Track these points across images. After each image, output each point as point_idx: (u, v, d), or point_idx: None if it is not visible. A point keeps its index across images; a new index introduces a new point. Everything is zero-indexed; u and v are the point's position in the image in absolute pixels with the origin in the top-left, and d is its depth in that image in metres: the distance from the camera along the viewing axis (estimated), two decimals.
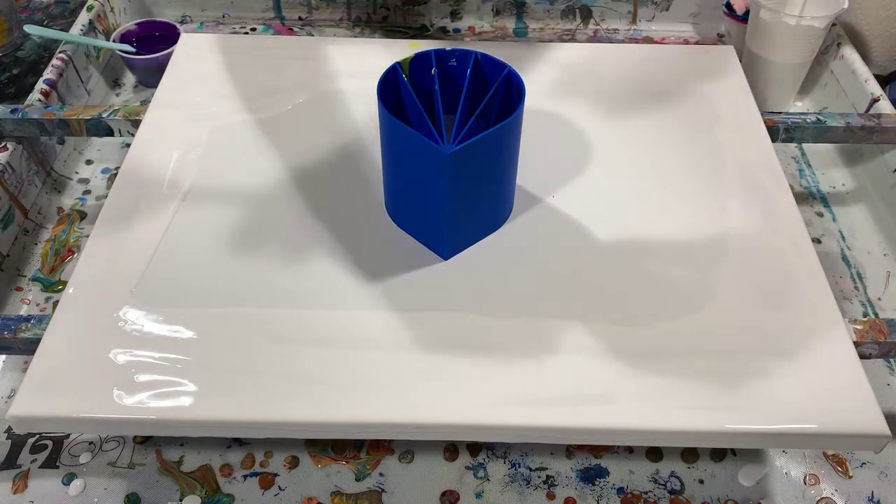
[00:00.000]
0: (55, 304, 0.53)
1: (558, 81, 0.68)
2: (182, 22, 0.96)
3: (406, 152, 0.50)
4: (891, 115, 0.70)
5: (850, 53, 0.80)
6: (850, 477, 0.56)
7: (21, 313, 0.63)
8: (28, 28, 0.79)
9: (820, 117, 0.68)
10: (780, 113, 0.69)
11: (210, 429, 0.47)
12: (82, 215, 0.72)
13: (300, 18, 0.96)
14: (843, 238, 0.71)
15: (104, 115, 0.67)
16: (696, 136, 0.63)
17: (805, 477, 0.55)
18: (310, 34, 0.95)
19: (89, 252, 0.53)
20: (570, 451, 0.56)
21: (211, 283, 0.52)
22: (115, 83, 0.87)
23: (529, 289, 0.52)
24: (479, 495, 0.54)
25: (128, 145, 0.63)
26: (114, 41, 0.84)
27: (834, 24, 0.82)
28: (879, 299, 0.66)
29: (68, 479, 0.54)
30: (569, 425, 0.45)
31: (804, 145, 0.80)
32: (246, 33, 0.95)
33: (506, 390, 0.46)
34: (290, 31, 0.96)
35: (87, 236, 0.58)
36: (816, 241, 0.71)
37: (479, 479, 0.55)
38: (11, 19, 0.88)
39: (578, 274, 0.53)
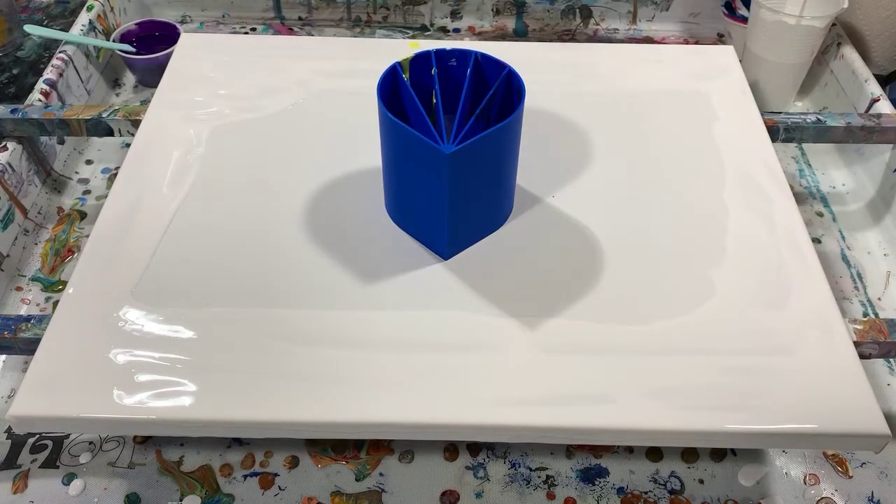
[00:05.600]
0: (55, 304, 0.53)
1: (558, 81, 0.68)
2: (182, 22, 0.96)
3: (406, 152, 0.50)
4: (891, 115, 0.70)
5: (850, 53, 0.80)
6: (850, 477, 0.56)
7: (21, 313, 0.63)
8: (28, 28, 0.79)
9: (820, 117, 0.68)
10: (780, 113, 0.69)
11: (210, 429, 0.47)
12: (82, 215, 0.72)
13: (300, 18, 0.96)
14: (843, 238, 0.71)
15: (104, 115, 0.67)
16: (696, 136, 0.63)
17: (805, 477, 0.55)
18: (310, 34, 0.95)
19: (89, 252, 0.53)
20: (570, 451, 0.56)
21: (211, 283, 0.52)
22: (115, 83, 0.87)
23: (529, 289, 0.52)
24: (479, 495, 0.54)
25: (128, 145, 0.63)
26: (114, 41, 0.84)
27: (834, 24, 0.82)
28: (879, 299, 0.66)
29: (68, 479, 0.54)
30: (569, 425, 0.45)
31: (804, 145, 0.80)
32: (246, 33, 0.95)
33: (506, 390, 0.46)
34: (290, 31, 0.96)
35: (87, 236, 0.58)
36: (816, 241, 0.71)
37: (479, 479, 0.55)
38: (11, 19, 0.88)
39: (578, 274, 0.53)
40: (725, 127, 0.64)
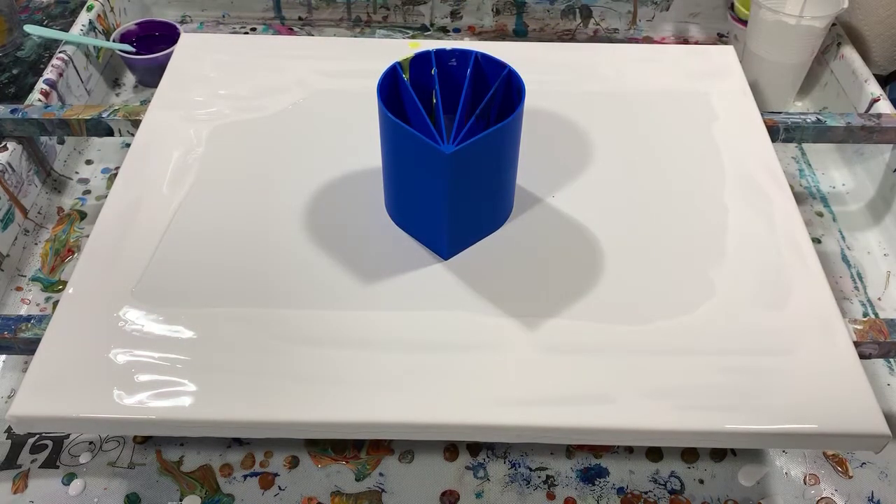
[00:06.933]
0: (55, 304, 0.53)
1: (558, 81, 0.68)
2: (182, 22, 0.96)
3: (406, 152, 0.50)
4: (891, 115, 0.70)
5: (850, 53, 0.80)
6: (850, 477, 0.56)
7: (21, 313, 0.63)
8: (28, 28, 0.79)
9: (820, 117, 0.68)
10: (780, 113, 0.69)
11: (210, 429, 0.47)
12: (82, 215, 0.72)
13: (300, 18, 0.96)
14: (843, 238, 0.71)
15: (104, 115, 0.67)
16: (696, 136, 0.63)
17: (805, 477, 0.55)
18: (310, 34, 0.95)
19: (89, 252, 0.53)
20: (570, 451, 0.56)
21: (211, 283, 0.52)
22: (115, 83, 0.87)
23: (529, 289, 0.52)
24: (479, 495, 0.54)
25: (128, 145, 0.63)
26: (114, 41, 0.84)
27: (834, 24, 0.82)
28: (879, 299, 0.66)
29: (68, 479, 0.54)
30: (569, 425, 0.45)
31: (804, 145, 0.80)
32: (246, 33, 0.95)
33: (506, 390, 0.46)
34: (290, 31, 0.96)
35: (87, 236, 0.58)
36: (816, 241, 0.71)
37: (479, 479, 0.55)
38: (11, 19, 0.88)
39: (578, 274, 0.53)
40: (725, 127, 0.64)
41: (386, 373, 0.47)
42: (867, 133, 0.68)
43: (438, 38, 0.95)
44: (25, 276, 0.66)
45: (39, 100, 0.72)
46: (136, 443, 0.56)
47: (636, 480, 0.55)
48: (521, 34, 0.96)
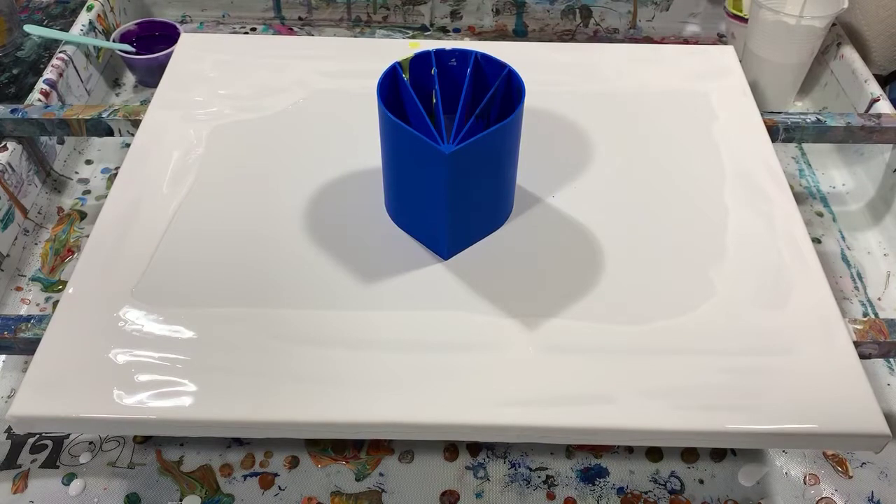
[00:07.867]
0: (55, 304, 0.53)
1: (558, 81, 0.68)
2: (182, 22, 0.96)
3: (406, 152, 0.50)
4: (891, 115, 0.70)
5: (850, 53, 0.80)
6: (850, 477, 0.56)
7: (21, 313, 0.63)
8: (28, 28, 0.79)
9: (820, 117, 0.68)
10: (780, 113, 0.69)
11: (210, 429, 0.47)
12: (82, 215, 0.72)
13: (300, 18, 0.96)
14: (843, 238, 0.71)
15: (104, 115, 0.67)
16: (696, 136, 0.63)
17: (805, 477, 0.55)
18: (310, 34, 0.95)
19: (89, 252, 0.53)
20: (570, 451, 0.56)
21: (211, 283, 0.52)
22: (115, 83, 0.87)
23: (529, 289, 0.52)
24: (479, 495, 0.54)
25: (128, 145, 0.63)
26: (114, 41, 0.84)
27: (834, 24, 0.82)
28: (879, 299, 0.66)
29: (68, 479, 0.54)
30: (569, 425, 0.45)
31: (804, 145, 0.80)
32: (246, 33, 0.95)
33: (506, 390, 0.46)
34: (290, 31, 0.96)
35: (87, 236, 0.58)
36: (816, 241, 0.71)
37: (479, 479, 0.55)
38: (11, 19, 0.88)
39: (578, 274, 0.53)
40: (725, 127, 0.64)
41: (386, 373, 0.47)
42: (867, 133, 0.68)
43: (438, 38, 0.95)
44: (25, 276, 0.66)
45: (39, 100, 0.72)
46: (136, 443, 0.56)
47: (636, 480, 0.55)
48: (521, 34, 0.96)
